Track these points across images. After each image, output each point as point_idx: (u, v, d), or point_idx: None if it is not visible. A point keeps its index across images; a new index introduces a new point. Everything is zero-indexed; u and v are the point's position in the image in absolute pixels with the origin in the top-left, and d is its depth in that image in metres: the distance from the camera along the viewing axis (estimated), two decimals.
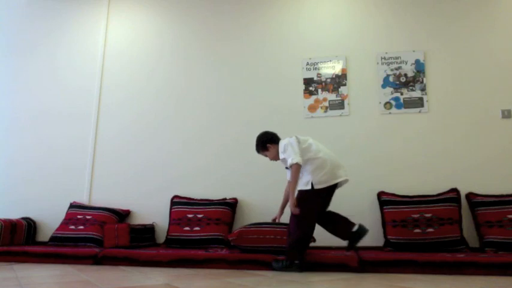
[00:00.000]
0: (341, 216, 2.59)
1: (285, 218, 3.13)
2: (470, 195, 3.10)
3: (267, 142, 2.76)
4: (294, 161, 2.48)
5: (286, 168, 2.65)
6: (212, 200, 3.47)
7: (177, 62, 3.97)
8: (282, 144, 2.64)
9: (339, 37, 3.72)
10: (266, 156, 2.80)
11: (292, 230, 2.50)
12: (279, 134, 3.49)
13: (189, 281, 2.04)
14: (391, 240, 2.98)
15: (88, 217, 3.48)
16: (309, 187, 2.49)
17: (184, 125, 3.80)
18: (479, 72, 3.41)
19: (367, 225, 3.20)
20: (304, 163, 2.52)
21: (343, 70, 3.63)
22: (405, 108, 3.46)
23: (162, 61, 4.00)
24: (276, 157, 2.74)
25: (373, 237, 3.19)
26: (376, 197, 3.25)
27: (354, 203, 3.29)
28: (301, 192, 2.53)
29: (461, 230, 2.95)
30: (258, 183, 3.52)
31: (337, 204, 3.09)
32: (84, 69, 4.10)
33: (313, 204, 2.52)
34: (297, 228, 2.48)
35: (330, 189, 2.58)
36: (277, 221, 2.88)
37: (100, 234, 3.33)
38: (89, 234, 3.36)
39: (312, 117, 3.59)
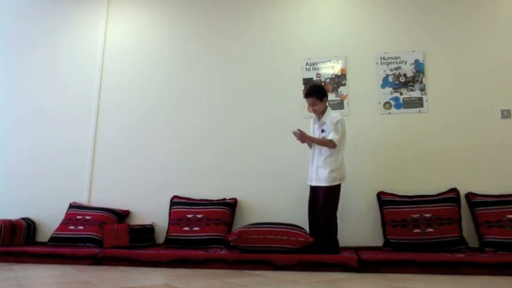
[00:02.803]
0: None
1: (286, 219, 3.14)
2: (469, 195, 3.10)
3: (325, 96, 2.98)
4: (335, 140, 2.80)
5: (322, 131, 2.94)
6: (212, 200, 3.47)
7: (177, 62, 3.97)
8: (337, 117, 2.90)
9: (339, 37, 3.72)
10: (313, 103, 2.93)
11: (325, 224, 2.77)
12: (279, 134, 3.54)
13: (188, 281, 2.04)
14: (390, 240, 2.98)
15: (88, 217, 3.48)
16: (337, 182, 2.81)
17: (184, 125, 3.80)
18: (479, 72, 3.41)
19: (367, 224, 3.25)
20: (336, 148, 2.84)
21: (342, 70, 3.63)
22: (405, 108, 3.46)
23: (162, 61, 3.99)
24: (318, 112, 2.96)
25: (373, 237, 3.20)
26: (375, 197, 3.25)
27: (354, 203, 3.30)
28: (330, 188, 2.80)
29: (460, 230, 2.95)
30: (258, 183, 3.52)
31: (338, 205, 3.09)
32: (84, 69, 4.10)
33: (338, 198, 2.85)
34: (330, 223, 2.77)
35: None
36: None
37: (99, 234, 3.33)
38: (89, 234, 3.35)
39: (312, 117, 3.58)
